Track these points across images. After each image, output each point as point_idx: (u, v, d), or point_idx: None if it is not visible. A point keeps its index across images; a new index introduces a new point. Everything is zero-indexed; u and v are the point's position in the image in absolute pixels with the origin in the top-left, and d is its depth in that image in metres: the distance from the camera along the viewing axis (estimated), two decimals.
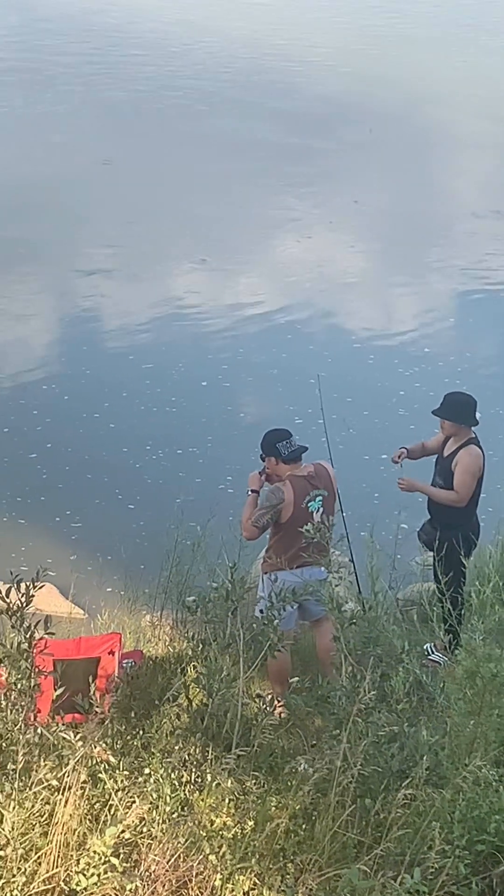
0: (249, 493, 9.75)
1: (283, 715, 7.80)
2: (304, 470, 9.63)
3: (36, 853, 5.57)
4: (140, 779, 6.01)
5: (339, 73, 40.19)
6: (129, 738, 6.74)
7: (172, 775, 6.03)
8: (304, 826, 5.92)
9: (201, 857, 5.49)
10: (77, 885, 5.34)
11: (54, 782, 5.78)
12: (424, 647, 10.42)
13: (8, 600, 5.70)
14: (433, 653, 10.40)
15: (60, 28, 45.06)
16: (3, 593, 5.69)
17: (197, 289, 22.43)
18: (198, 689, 7.01)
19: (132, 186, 27.52)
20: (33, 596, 5.69)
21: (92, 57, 40.55)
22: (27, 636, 5.85)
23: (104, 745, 6.40)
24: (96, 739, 6.29)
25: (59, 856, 5.53)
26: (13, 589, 5.70)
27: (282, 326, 21.06)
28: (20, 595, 5.70)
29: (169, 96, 35.83)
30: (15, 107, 33.86)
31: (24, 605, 5.70)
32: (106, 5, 49.64)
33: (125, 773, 6.05)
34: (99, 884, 5.33)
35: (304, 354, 19.56)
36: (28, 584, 5.68)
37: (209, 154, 30.10)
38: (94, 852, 5.35)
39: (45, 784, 5.78)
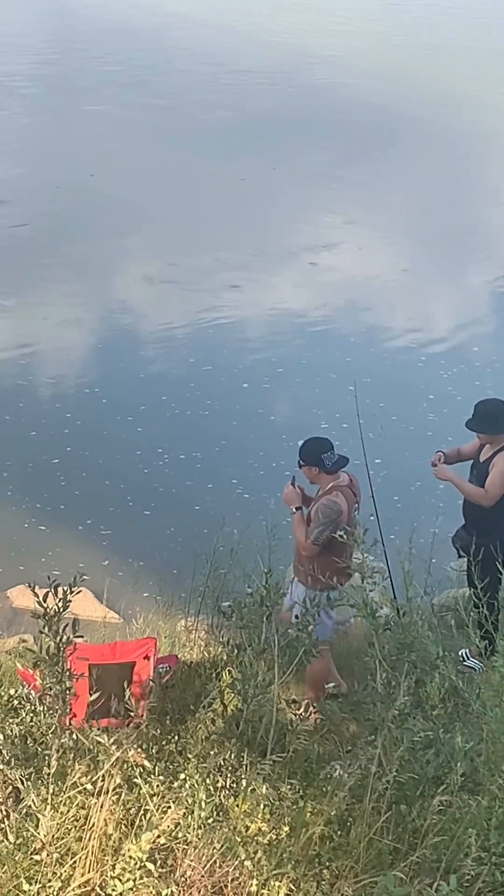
0: (294, 510, 9.64)
1: (318, 721, 7.79)
2: (344, 480, 9.60)
3: (71, 858, 5.58)
4: (175, 784, 6.01)
5: (374, 77, 40.14)
6: (164, 742, 6.74)
7: (208, 780, 6.02)
8: (339, 832, 5.91)
9: (237, 862, 5.48)
10: (113, 890, 5.34)
11: (89, 786, 5.78)
12: (460, 652, 10.38)
13: (45, 605, 5.71)
14: (468, 658, 10.35)
15: (96, 34, 45.10)
16: (41, 597, 5.70)
17: (235, 293, 22.41)
18: (233, 695, 7.00)
19: (169, 193, 27.50)
20: (70, 601, 5.71)
21: (137, 63, 40.55)
22: (59, 640, 5.86)
23: (139, 749, 6.40)
24: (132, 744, 6.28)
25: (94, 860, 5.53)
26: (51, 593, 5.71)
27: (317, 330, 21.05)
28: (57, 600, 5.71)
29: (206, 102, 35.80)
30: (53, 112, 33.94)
31: (62, 609, 5.71)
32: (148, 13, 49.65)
33: (160, 777, 6.04)
34: (134, 889, 5.33)
35: (335, 358, 19.58)
36: (66, 588, 5.69)
37: (246, 158, 30.09)
38: (130, 857, 5.35)
39: (80, 788, 5.78)
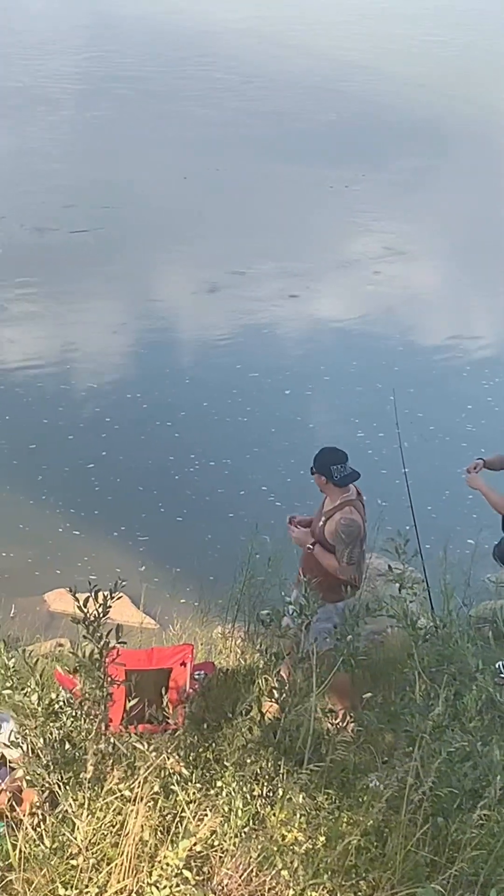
0: (310, 548, 9.45)
1: (354, 731, 7.77)
2: (353, 493, 9.57)
3: (107, 863, 5.57)
4: (212, 791, 6.00)
5: (416, 88, 40.07)
6: (200, 749, 6.73)
7: (244, 789, 6.01)
8: (375, 843, 5.89)
9: (274, 871, 5.47)
10: None
11: (126, 792, 5.78)
12: (496, 664, 10.33)
13: (86, 610, 5.72)
14: None
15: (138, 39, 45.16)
16: (81, 603, 5.70)
17: (292, 301, 22.42)
18: (270, 703, 6.99)
19: (210, 198, 27.51)
20: (110, 607, 5.71)
21: (180, 70, 40.60)
22: (101, 646, 5.86)
23: (176, 756, 6.39)
24: (168, 750, 6.28)
25: (130, 867, 5.53)
26: (90, 599, 5.72)
27: (366, 339, 21.06)
28: (97, 605, 5.72)
29: (248, 109, 35.78)
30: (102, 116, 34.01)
31: (102, 615, 5.71)
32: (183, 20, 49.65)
33: (197, 785, 6.04)
34: None
35: (380, 367, 19.58)
36: (106, 594, 5.70)
37: (289, 165, 30.06)
38: (167, 864, 5.34)
39: (118, 794, 5.78)
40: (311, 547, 9.40)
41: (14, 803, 7.13)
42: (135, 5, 51.78)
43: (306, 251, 25.00)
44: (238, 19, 49.93)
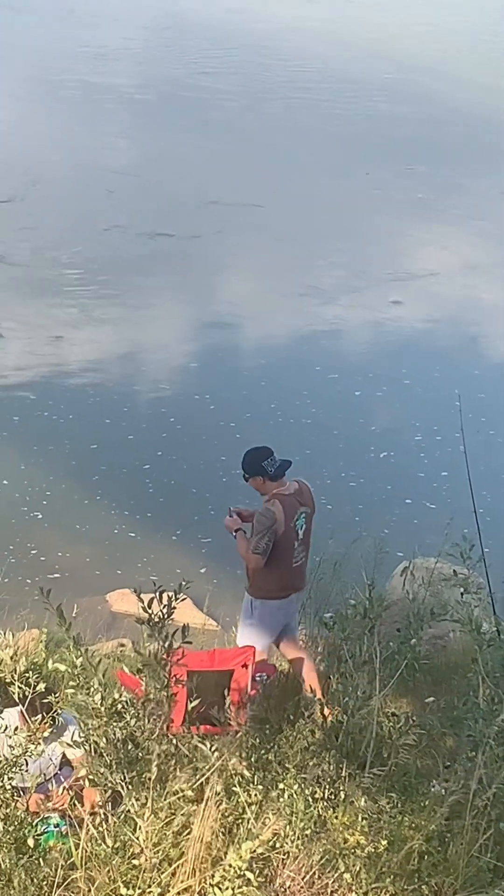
0: (234, 535, 9.49)
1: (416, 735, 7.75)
2: (290, 487, 9.53)
3: (168, 864, 5.58)
4: (274, 793, 5.99)
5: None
6: (263, 752, 6.72)
7: (306, 791, 6.00)
8: (438, 848, 5.87)
9: (336, 875, 5.46)
10: None
11: (189, 793, 5.79)
12: None
13: (150, 611, 5.73)
14: None
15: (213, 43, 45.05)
16: (146, 604, 5.72)
17: (339, 303, 22.38)
18: (333, 706, 6.98)
19: (278, 201, 27.47)
20: (175, 608, 5.72)
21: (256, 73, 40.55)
22: (166, 646, 5.87)
23: (238, 757, 6.39)
24: (232, 752, 6.28)
25: (192, 867, 5.53)
26: (155, 600, 5.73)
27: (421, 343, 20.99)
28: (162, 606, 5.73)
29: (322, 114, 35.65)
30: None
31: (166, 616, 5.73)
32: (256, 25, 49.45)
33: (259, 787, 6.03)
34: None
35: (440, 372, 19.49)
36: (171, 595, 5.71)
37: (358, 168, 29.98)
38: (230, 865, 5.34)
39: (180, 795, 5.79)
40: (234, 534, 9.47)
41: (76, 802, 7.18)
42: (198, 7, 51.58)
43: (384, 258, 24.94)
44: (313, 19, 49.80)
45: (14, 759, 5.93)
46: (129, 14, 49.05)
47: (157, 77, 38.38)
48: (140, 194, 27.21)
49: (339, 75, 40.64)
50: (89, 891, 5.53)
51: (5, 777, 5.87)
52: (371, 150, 31.90)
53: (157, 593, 5.75)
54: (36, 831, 5.82)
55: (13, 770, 5.92)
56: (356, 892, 5.41)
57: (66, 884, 5.61)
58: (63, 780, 7.75)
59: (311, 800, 5.97)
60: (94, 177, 28.00)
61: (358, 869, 5.52)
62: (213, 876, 5.41)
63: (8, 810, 5.78)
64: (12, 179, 27.19)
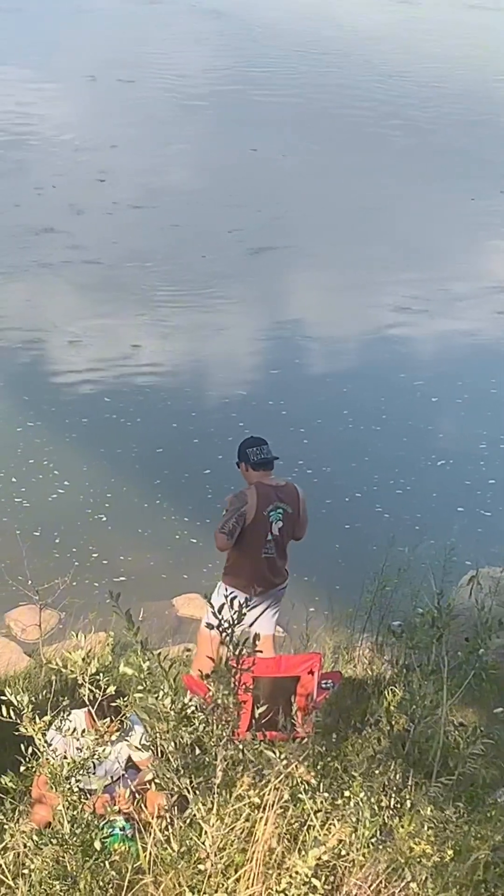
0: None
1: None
2: (273, 481, 9.61)
3: (234, 870, 5.59)
4: (339, 801, 5.98)
5: None
6: (329, 759, 6.72)
7: (372, 799, 5.98)
8: None
9: (403, 884, 5.44)
10: None
11: (255, 799, 5.79)
12: None
13: (221, 617, 5.75)
14: None
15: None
16: (216, 609, 5.74)
17: (406, 309, 22.32)
18: (399, 714, 6.97)
19: (346, 203, 27.38)
20: (245, 614, 5.74)
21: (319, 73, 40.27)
22: (236, 652, 5.89)
23: (305, 764, 6.39)
24: (298, 759, 6.28)
25: (258, 874, 5.53)
26: (226, 606, 5.75)
27: (490, 352, 20.91)
28: (232, 612, 5.75)
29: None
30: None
31: (236, 622, 5.75)
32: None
33: (325, 794, 6.02)
34: None
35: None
36: (242, 601, 5.73)
37: (426, 172, 29.81)
38: (297, 872, 5.33)
39: (247, 801, 5.79)
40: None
41: (141, 805, 7.21)
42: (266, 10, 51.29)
43: (411, 259, 24.87)
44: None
45: (82, 761, 5.95)
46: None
47: (311, 92, 37.95)
48: (259, 206, 26.99)
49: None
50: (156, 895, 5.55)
51: (73, 779, 5.90)
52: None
53: (228, 599, 5.77)
54: (102, 834, 5.83)
55: (81, 772, 5.95)
56: None
57: (133, 888, 5.63)
58: (129, 782, 7.77)
59: (376, 808, 5.96)
60: (220, 190, 27.88)
61: (424, 878, 5.50)
62: (279, 882, 5.40)
63: (75, 812, 5.80)
64: (143, 186, 27.21)
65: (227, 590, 9.60)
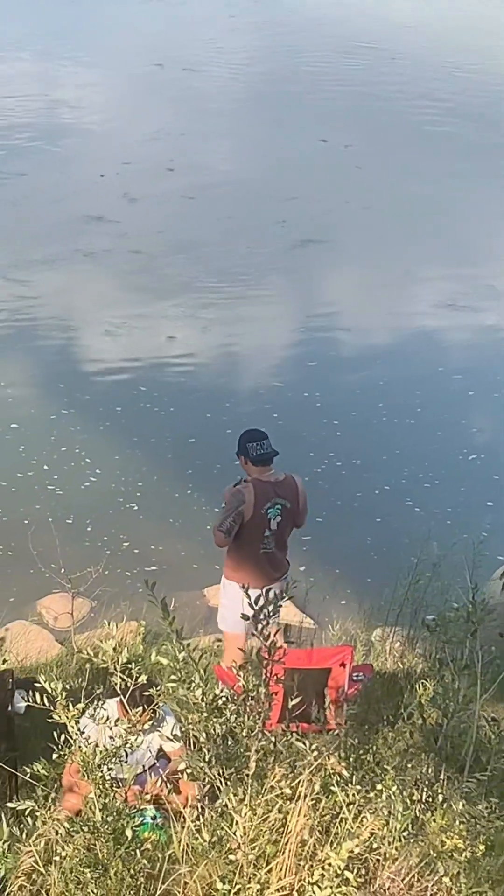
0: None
1: None
2: (272, 476, 9.57)
3: (265, 861, 5.57)
4: (371, 794, 5.96)
5: None
6: (361, 752, 6.70)
7: (404, 793, 5.97)
8: None
9: (436, 878, 5.42)
10: None
11: (287, 790, 5.78)
12: None
13: (255, 607, 5.74)
14: None
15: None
16: (252, 600, 5.73)
17: (450, 304, 22.23)
18: (432, 709, 6.95)
19: (400, 197, 27.26)
20: (281, 606, 5.73)
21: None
22: (268, 644, 5.88)
23: (337, 757, 6.37)
24: (331, 751, 6.27)
25: (290, 865, 5.52)
26: (261, 597, 5.73)
27: None
28: (267, 604, 5.73)
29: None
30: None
31: (271, 614, 5.73)
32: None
33: (357, 787, 6.01)
34: None
35: None
36: (277, 593, 5.72)
37: (487, 170, 29.64)
38: (329, 864, 5.32)
39: (279, 792, 5.78)
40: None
41: (173, 794, 7.21)
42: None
43: (445, 255, 24.70)
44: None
45: (115, 750, 5.95)
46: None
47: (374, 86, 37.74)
48: (313, 199, 26.78)
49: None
50: (188, 885, 5.55)
51: (105, 767, 5.90)
52: None
53: (264, 590, 5.76)
54: (133, 823, 5.83)
55: (113, 760, 5.95)
56: None
57: (165, 877, 5.62)
58: (160, 772, 7.78)
59: (408, 802, 5.94)
60: (279, 180, 27.66)
61: (456, 873, 5.48)
62: (311, 874, 5.39)
63: (107, 800, 5.80)
64: (203, 176, 27.13)
65: (232, 585, 9.59)
